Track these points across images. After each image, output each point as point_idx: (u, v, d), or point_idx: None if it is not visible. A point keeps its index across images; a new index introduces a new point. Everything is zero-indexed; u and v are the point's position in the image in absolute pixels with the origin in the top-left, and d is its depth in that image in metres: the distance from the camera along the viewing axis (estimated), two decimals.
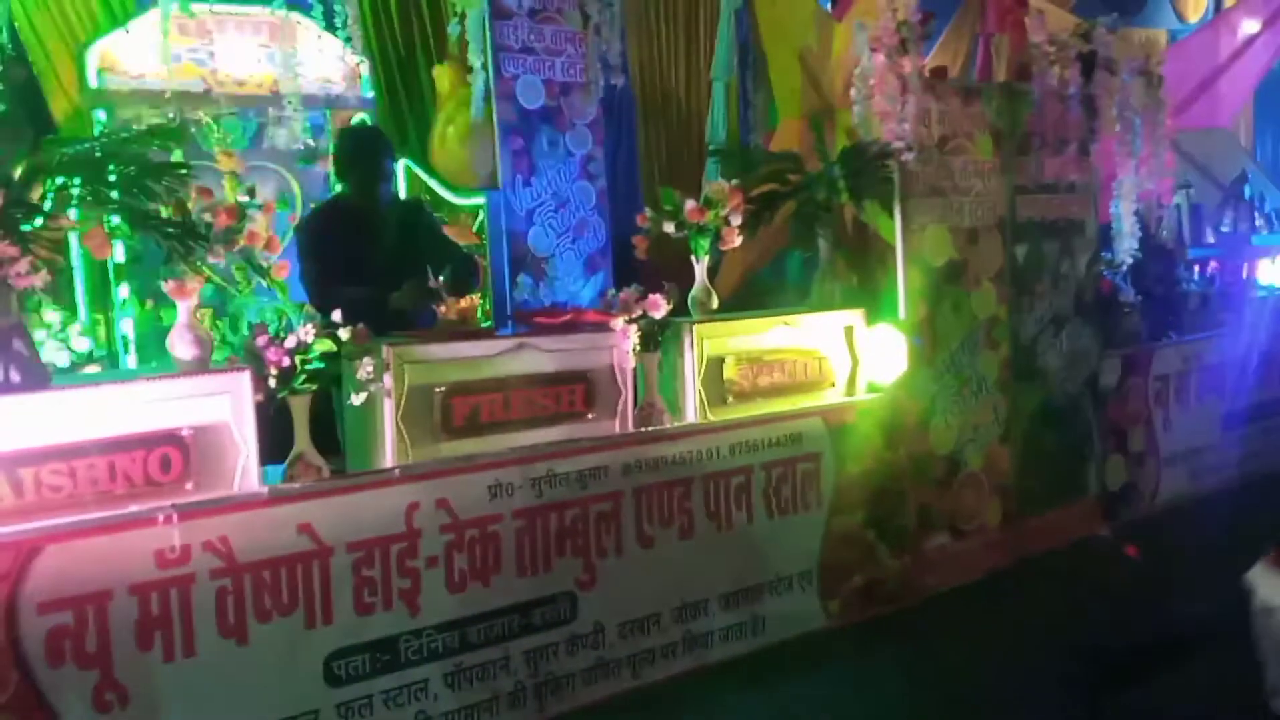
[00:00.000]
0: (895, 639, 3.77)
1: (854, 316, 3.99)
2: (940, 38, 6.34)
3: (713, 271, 4.04)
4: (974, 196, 4.28)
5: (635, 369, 3.44)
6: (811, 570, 3.68)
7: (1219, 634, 3.67)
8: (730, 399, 3.58)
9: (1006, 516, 4.46)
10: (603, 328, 3.37)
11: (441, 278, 3.21)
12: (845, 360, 3.96)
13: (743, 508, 3.47)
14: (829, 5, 6.57)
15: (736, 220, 3.61)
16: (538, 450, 3.08)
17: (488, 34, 4.17)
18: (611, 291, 3.62)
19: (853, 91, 3.92)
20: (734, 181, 3.72)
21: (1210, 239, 6.29)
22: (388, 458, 2.95)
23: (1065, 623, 3.81)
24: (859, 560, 3.83)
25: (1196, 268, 5.73)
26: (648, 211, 3.66)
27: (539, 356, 3.23)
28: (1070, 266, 4.70)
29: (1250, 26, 6.98)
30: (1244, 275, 5.79)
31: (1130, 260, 5.09)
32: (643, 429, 3.38)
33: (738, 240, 3.65)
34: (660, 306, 3.40)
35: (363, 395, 2.86)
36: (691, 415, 3.50)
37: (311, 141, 4.30)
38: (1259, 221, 6.32)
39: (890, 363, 3.96)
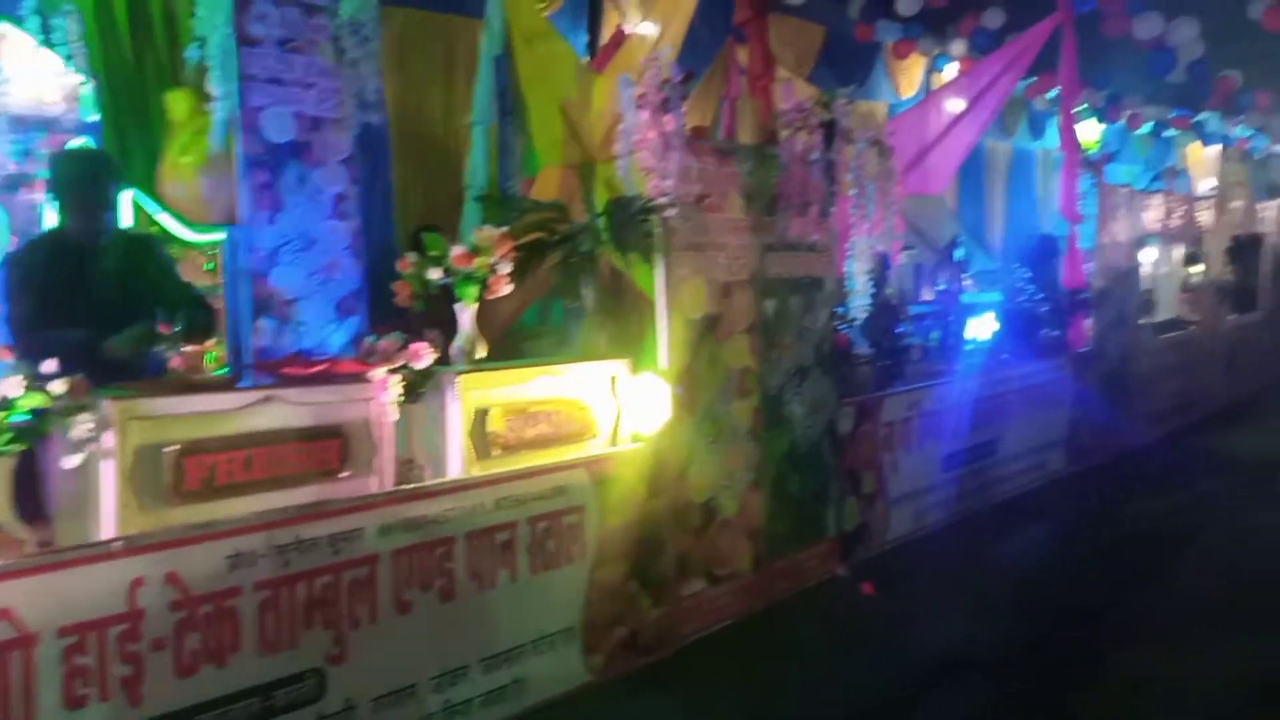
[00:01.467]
0: (657, 690, 3.78)
1: (619, 366, 4.02)
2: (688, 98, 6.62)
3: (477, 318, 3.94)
4: (729, 252, 4.45)
5: (395, 422, 3.26)
6: (575, 625, 3.63)
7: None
8: (496, 451, 3.48)
9: (757, 560, 4.63)
10: (360, 378, 3.17)
11: (173, 322, 2.90)
12: (610, 410, 3.98)
13: (507, 565, 3.37)
14: (588, 57, 6.70)
15: (505, 268, 3.54)
16: (285, 514, 2.83)
17: (232, 61, 3.87)
18: (370, 339, 3.42)
19: (617, 145, 3.98)
20: (503, 229, 3.65)
21: (928, 296, 6.94)
22: (108, 527, 2.60)
23: (814, 665, 3.99)
24: (621, 612, 3.82)
25: (917, 322, 6.28)
26: (411, 256, 3.51)
27: (288, 410, 2.99)
28: (812, 320, 4.98)
29: (957, 105, 7.79)
30: (957, 330, 6.41)
31: (863, 315, 5.50)
32: (402, 486, 3.20)
33: (506, 288, 3.58)
34: (423, 356, 3.25)
35: (79, 457, 2.51)
36: (456, 470, 3.36)
37: (21, 166, 3.79)
38: (968, 281, 7.05)
39: (653, 412, 4.02)
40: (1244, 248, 9.50)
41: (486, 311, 4.28)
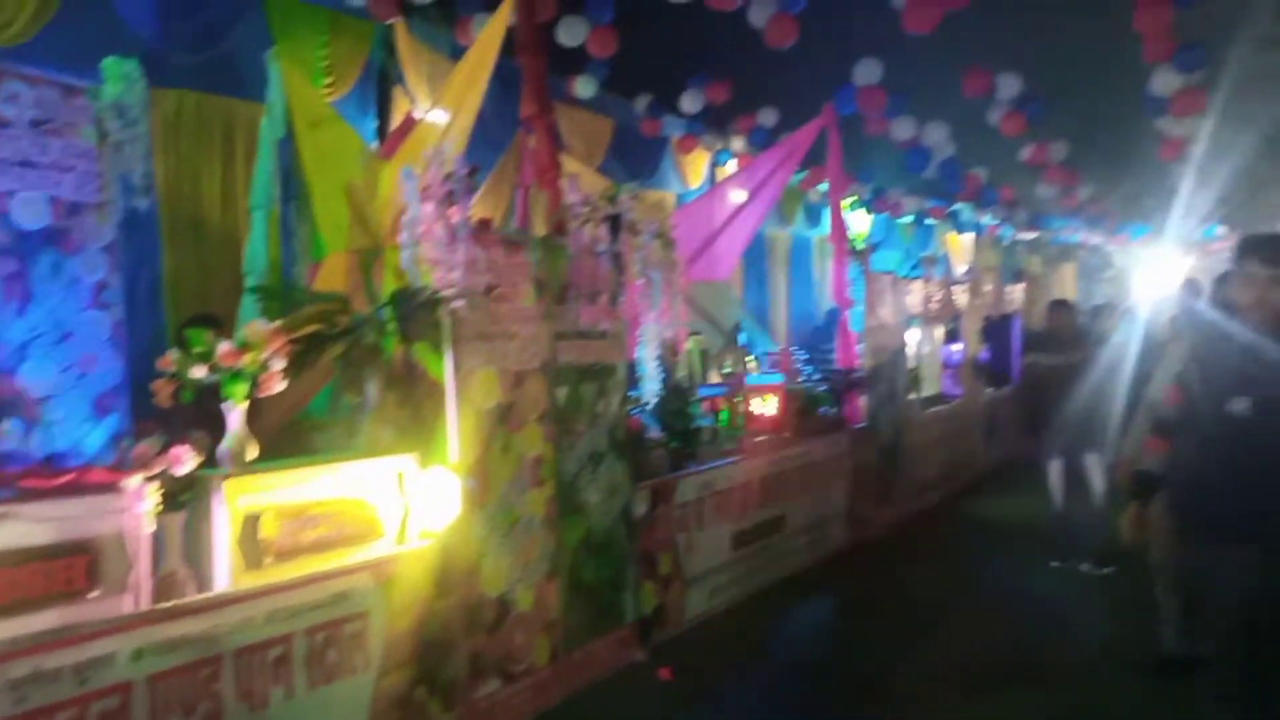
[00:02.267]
0: None
1: (406, 461, 3.91)
2: (482, 187, 6.66)
3: (250, 413, 3.74)
4: (519, 342, 4.46)
5: (154, 533, 3.02)
6: None
7: None
8: (268, 560, 3.28)
9: (554, 654, 4.57)
10: (112, 488, 2.93)
11: None
12: (397, 507, 3.85)
13: (281, 682, 3.15)
14: (377, 142, 6.64)
15: (278, 364, 3.39)
16: (18, 645, 2.54)
17: None
18: (126, 442, 3.17)
19: (402, 236, 3.93)
20: (275, 323, 3.50)
21: (716, 379, 7.21)
22: None
23: None
24: None
25: (706, 404, 6.47)
26: (173, 353, 3.30)
27: (26, 527, 2.71)
28: (605, 406, 5.05)
29: (738, 197, 8.24)
30: (743, 410, 6.67)
31: (654, 399, 5.63)
32: (161, 605, 2.95)
33: (279, 386, 3.42)
34: (184, 461, 3.04)
35: None
36: (222, 583, 3.14)
37: None
38: (752, 363, 7.38)
39: (443, 507, 3.92)
40: (996, 326, 10.44)
41: (265, 403, 4.08)
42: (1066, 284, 20.18)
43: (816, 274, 12.93)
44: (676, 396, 5.86)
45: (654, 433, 5.51)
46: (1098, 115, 8.58)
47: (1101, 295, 19.04)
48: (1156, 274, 16.91)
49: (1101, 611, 5.75)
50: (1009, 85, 7.71)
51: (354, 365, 3.90)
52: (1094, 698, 4.52)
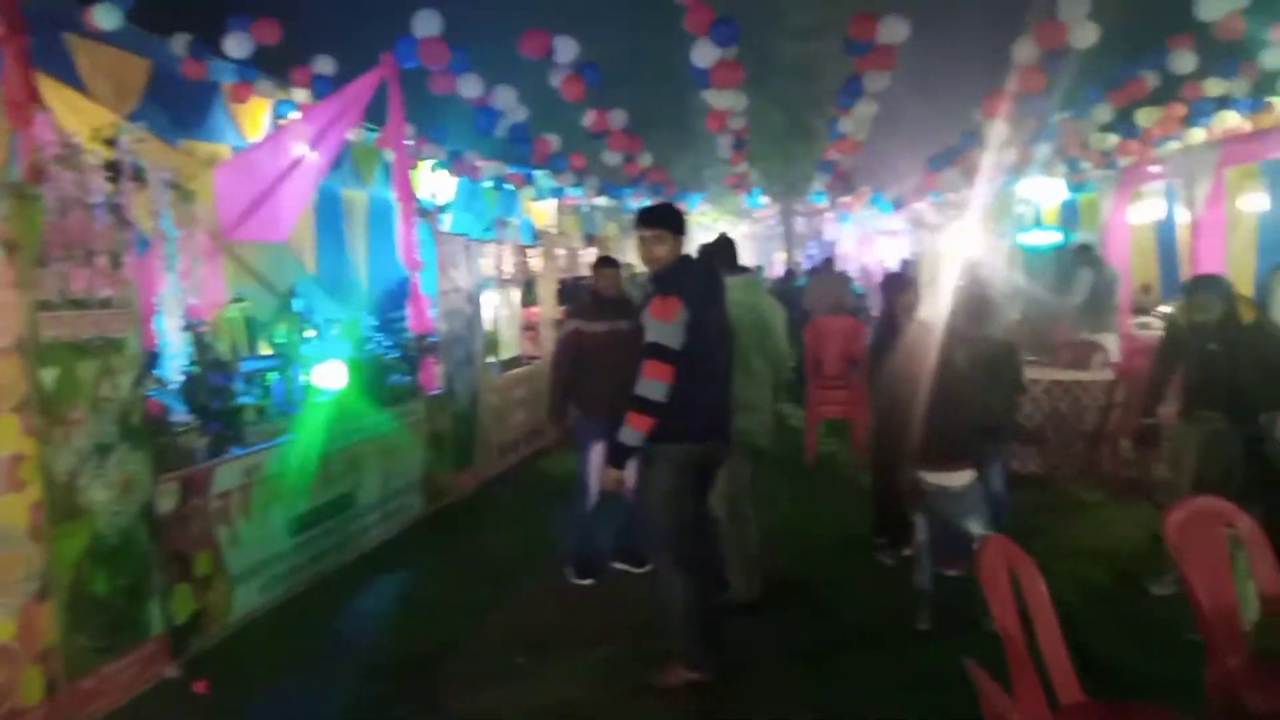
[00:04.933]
0: None
1: None
2: None
3: None
4: None
5: None
6: None
7: None
8: None
9: (50, 687, 3.81)
10: None
11: None
12: None
13: None
14: None
15: None
16: None
17: None
18: None
19: None
20: None
21: (267, 349, 6.54)
22: None
23: None
24: None
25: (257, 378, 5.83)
26: None
27: None
28: (113, 388, 4.28)
29: (298, 148, 7.51)
30: (302, 382, 6.11)
31: (183, 377, 4.93)
32: None
33: None
34: None
35: None
36: None
37: None
38: (310, 331, 6.79)
39: None
40: (571, 290, 10.71)
41: None
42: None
43: (399, 237, 12.42)
44: (215, 372, 5.18)
45: (182, 415, 4.81)
46: (656, 86, 9.02)
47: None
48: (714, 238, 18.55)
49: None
50: (566, 48, 7.79)
51: None
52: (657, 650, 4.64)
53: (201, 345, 4.99)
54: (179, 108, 8.30)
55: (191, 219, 4.57)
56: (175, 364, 4.65)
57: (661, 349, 3.89)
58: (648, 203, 18.36)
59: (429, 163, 11.17)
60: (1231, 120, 10.01)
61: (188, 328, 4.73)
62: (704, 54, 7.45)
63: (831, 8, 8.38)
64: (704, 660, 4.22)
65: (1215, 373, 4.84)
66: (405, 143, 7.81)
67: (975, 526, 5.34)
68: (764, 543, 5.29)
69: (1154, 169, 12.40)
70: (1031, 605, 2.70)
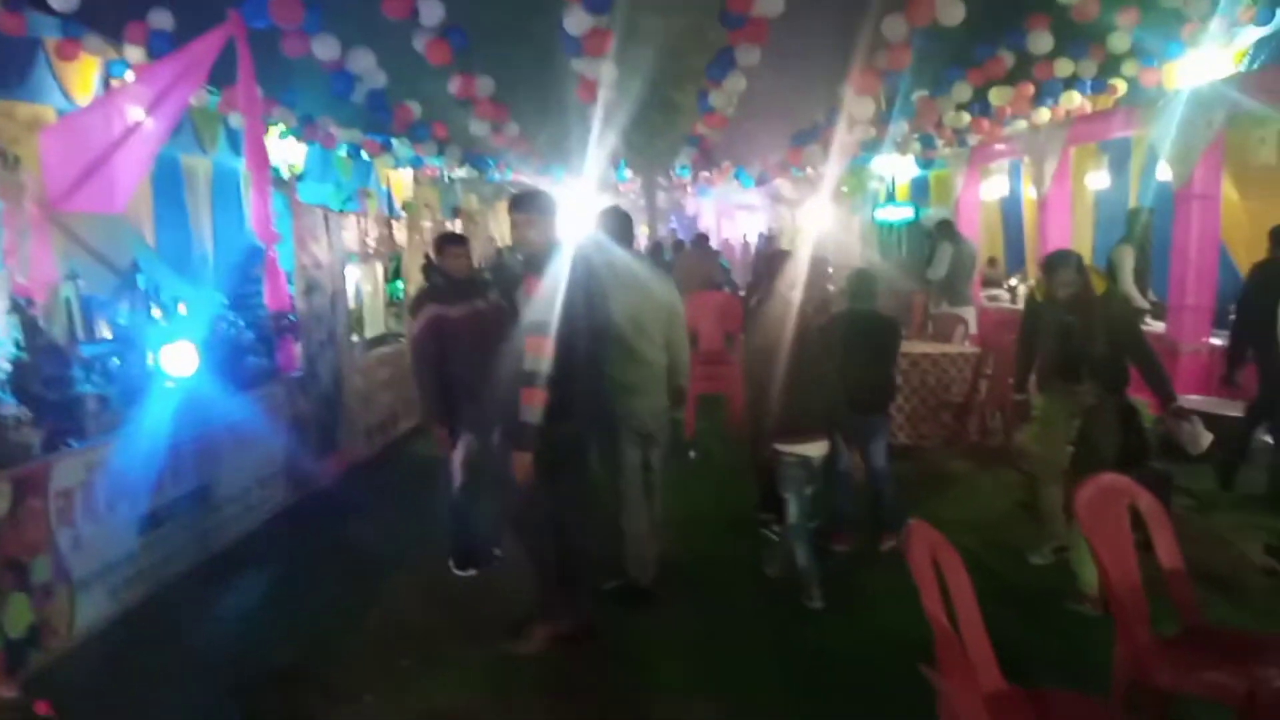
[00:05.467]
0: None
1: None
2: None
3: None
4: None
5: None
6: None
7: None
8: None
9: None
10: None
11: None
12: None
13: None
14: None
15: None
16: None
17: None
18: None
19: None
20: None
21: (106, 332, 5.96)
22: None
23: None
24: None
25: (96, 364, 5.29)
26: None
27: None
28: None
29: (135, 112, 6.86)
30: (148, 367, 5.59)
31: (9, 365, 4.40)
32: None
33: None
34: None
35: None
36: None
37: None
38: (155, 311, 6.23)
39: None
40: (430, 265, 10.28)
41: None
42: (502, 223, 21.03)
43: (247, 208, 11.64)
44: (47, 359, 4.65)
45: (11, 408, 4.28)
46: (523, 50, 8.68)
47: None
48: (579, 212, 18.27)
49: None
50: (431, 10, 7.37)
51: None
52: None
53: (31, 329, 4.45)
54: None
55: (18, 188, 4.03)
56: (2, 350, 4.12)
57: (543, 324, 4.02)
58: (510, 174, 17.86)
59: (277, 129, 10.48)
60: (1075, 100, 10.50)
61: (14, 309, 4.20)
62: (576, 21, 7.20)
63: None
64: (563, 612, 4.39)
65: (1072, 345, 4.98)
66: (257, 107, 7.24)
67: (842, 500, 5.40)
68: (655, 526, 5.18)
69: (1000, 147, 12.97)
70: (954, 593, 2.66)
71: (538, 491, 4.20)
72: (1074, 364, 4.92)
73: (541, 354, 4.01)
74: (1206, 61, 8.68)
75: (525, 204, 4.43)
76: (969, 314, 10.25)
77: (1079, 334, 4.93)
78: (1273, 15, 7.87)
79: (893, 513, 5.57)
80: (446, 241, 5.59)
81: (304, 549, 6.06)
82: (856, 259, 14.14)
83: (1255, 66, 8.44)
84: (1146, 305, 9.16)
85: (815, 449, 4.97)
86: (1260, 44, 8.55)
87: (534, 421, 4.03)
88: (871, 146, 13.55)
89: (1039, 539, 5.36)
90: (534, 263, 4.25)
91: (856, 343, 5.47)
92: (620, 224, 5.04)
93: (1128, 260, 8.97)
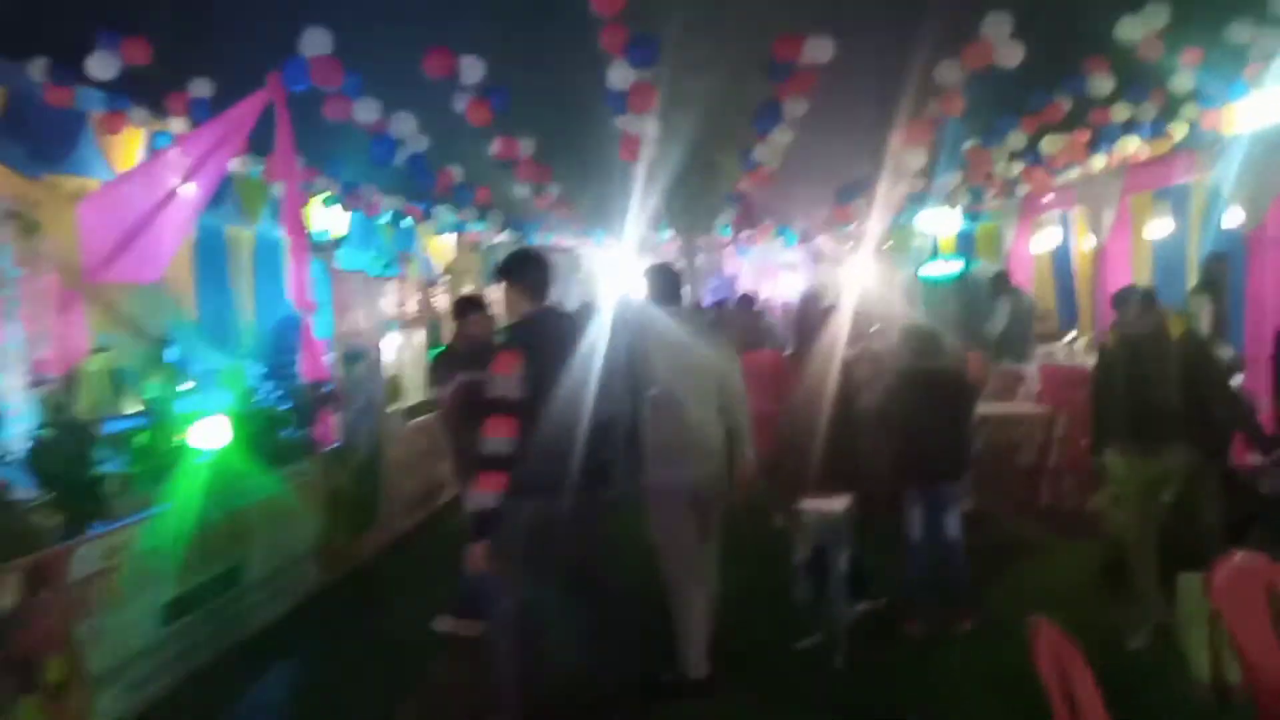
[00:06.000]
0: None
1: None
2: None
3: None
4: None
5: None
6: None
7: None
8: None
9: None
10: None
11: None
12: None
13: None
14: None
15: None
16: None
17: None
18: None
19: None
20: None
21: (135, 407, 5.74)
22: None
23: None
24: None
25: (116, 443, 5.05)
26: None
27: None
28: None
29: (173, 179, 6.74)
30: (177, 442, 5.34)
31: (31, 443, 4.16)
32: None
33: None
34: None
35: None
36: None
37: None
38: (187, 384, 6.02)
39: None
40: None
41: None
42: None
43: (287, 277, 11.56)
44: (68, 437, 4.41)
45: (27, 491, 4.03)
46: (565, 110, 8.51)
47: (577, 297, 19.96)
48: (620, 274, 18.06)
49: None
50: (472, 69, 7.23)
51: None
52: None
53: (53, 406, 4.22)
54: (40, 139, 7.39)
55: (38, 257, 3.84)
56: (19, 428, 3.89)
57: (501, 402, 3.76)
58: (551, 238, 17.74)
59: (320, 197, 10.41)
60: (1131, 146, 10.11)
61: (35, 385, 3.97)
62: (620, 76, 7.01)
63: (744, 38, 8.08)
64: (512, 712, 3.97)
65: (1148, 398, 4.54)
66: (295, 171, 7.11)
67: (913, 576, 5.00)
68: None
69: (1050, 197, 12.56)
70: (1080, 701, 2.25)
71: (507, 580, 3.89)
72: (1152, 420, 4.47)
73: (501, 434, 3.72)
74: (1270, 102, 8.29)
75: (501, 271, 4.17)
76: (1030, 371, 9.78)
77: (1155, 385, 4.49)
78: None
79: (969, 590, 5.12)
80: (466, 307, 5.52)
81: (337, 634, 5.72)
82: (901, 316, 13.77)
83: None
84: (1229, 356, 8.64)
85: (837, 503, 4.77)
86: None
87: (488, 507, 3.73)
88: (917, 200, 13.23)
89: (1133, 619, 4.86)
90: (509, 334, 4.05)
91: (924, 404, 5.09)
92: (666, 282, 4.76)
93: (1204, 310, 8.48)
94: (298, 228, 6.93)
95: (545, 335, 3.97)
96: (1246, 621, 2.58)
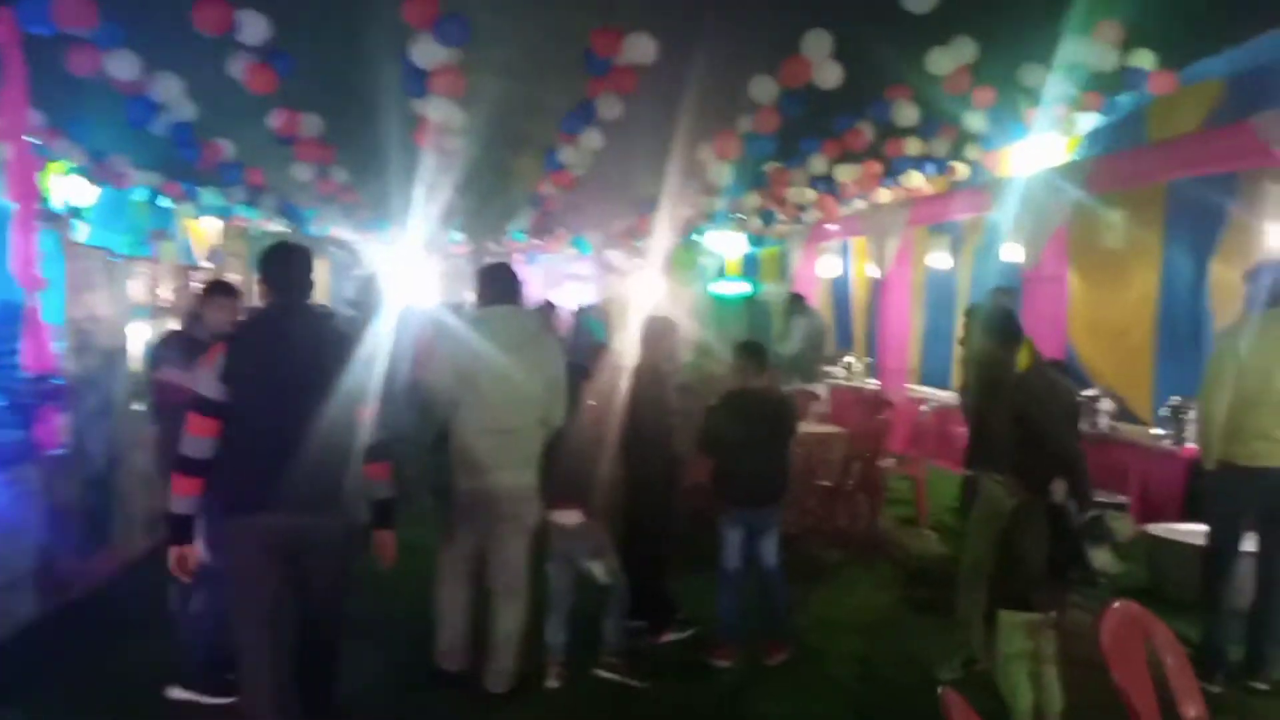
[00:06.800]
0: None
1: None
2: None
3: None
4: None
5: None
6: None
7: None
8: None
9: None
10: None
11: None
12: None
13: None
14: None
15: None
16: None
17: None
18: None
19: None
20: None
21: None
22: None
23: None
24: None
25: None
26: None
27: None
28: None
29: None
30: None
31: None
32: None
33: None
34: None
35: None
36: None
37: None
38: None
39: None
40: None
41: None
42: (320, 280, 19.59)
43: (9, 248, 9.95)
44: None
45: None
46: (358, 86, 7.73)
47: (353, 294, 18.78)
48: (405, 273, 17.11)
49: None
50: (254, 27, 6.35)
51: None
52: None
53: None
54: None
55: None
56: None
57: (200, 402, 3.42)
58: (329, 230, 16.57)
59: (60, 164, 9.01)
60: (915, 181, 10.54)
61: None
62: (425, 53, 6.38)
63: (553, 44, 7.64)
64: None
65: (986, 429, 4.53)
66: (26, 130, 5.98)
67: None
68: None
69: (834, 227, 12.98)
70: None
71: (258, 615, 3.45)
72: (989, 452, 4.44)
73: (200, 434, 3.37)
74: (1044, 148, 8.83)
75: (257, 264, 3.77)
76: (821, 390, 9.95)
77: (990, 415, 4.47)
78: (1114, 103, 8.03)
79: (784, 621, 4.93)
80: (214, 291, 5.01)
81: (58, 676, 4.74)
82: (690, 332, 13.80)
83: (1085, 156, 8.62)
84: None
85: (570, 516, 4.56)
86: (1093, 135, 8.77)
87: (180, 513, 3.41)
88: (710, 217, 13.31)
89: (945, 648, 4.81)
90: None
91: (748, 426, 4.85)
92: (503, 282, 4.55)
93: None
94: (27, 192, 5.83)
95: (265, 334, 3.59)
96: (1131, 673, 2.42)
